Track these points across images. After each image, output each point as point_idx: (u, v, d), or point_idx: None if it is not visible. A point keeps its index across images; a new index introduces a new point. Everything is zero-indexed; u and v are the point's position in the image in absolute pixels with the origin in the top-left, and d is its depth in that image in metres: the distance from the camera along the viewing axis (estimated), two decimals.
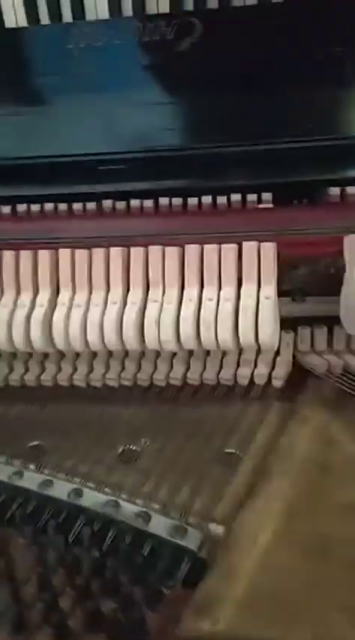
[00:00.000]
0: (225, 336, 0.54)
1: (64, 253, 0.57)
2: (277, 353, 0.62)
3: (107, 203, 0.69)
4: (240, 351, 0.61)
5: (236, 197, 0.67)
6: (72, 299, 0.57)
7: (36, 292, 0.58)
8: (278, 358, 0.61)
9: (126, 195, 0.69)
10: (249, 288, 0.55)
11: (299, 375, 0.61)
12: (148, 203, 0.68)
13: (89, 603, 0.38)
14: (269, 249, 0.54)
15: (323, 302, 0.62)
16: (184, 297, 0.55)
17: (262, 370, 0.61)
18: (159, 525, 0.44)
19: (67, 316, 0.56)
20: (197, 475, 0.50)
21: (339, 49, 0.67)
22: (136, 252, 0.56)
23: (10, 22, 0.76)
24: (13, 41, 0.75)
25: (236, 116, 0.68)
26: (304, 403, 0.58)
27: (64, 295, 0.57)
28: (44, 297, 0.57)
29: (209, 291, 0.55)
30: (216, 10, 0.72)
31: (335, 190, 0.66)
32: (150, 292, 0.56)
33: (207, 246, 0.55)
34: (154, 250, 0.56)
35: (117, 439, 0.56)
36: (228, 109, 0.68)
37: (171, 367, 0.62)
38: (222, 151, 0.67)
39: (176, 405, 0.60)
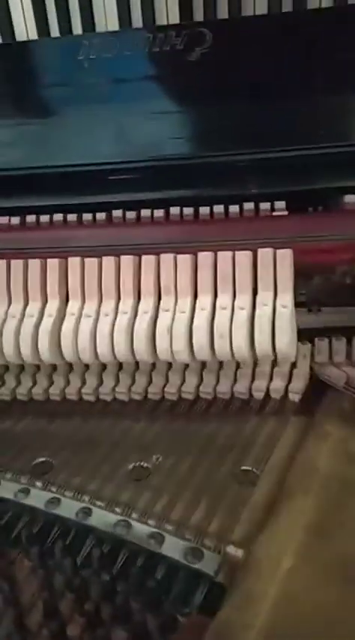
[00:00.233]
0: (241, 345, 0.52)
1: (74, 262, 0.55)
2: (293, 365, 0.59)
3: (117, 213, 0.67)
4: (255, 364, 0.59)
5: (248, 206, 0.65)
6: (81, 309, 0.55)
7: (44, 302, 0.56)
8: (295, 371, 0.59)
9: (136, 205, 0.67)
10: (264, 296, 0.53)
11: (317, 388, 0.58)
12: (159, 213, 0.66)
13: (99, 631, 0.35)
14: (285, 256, 0.52)
15: (340, 312, 0.60)
16: (197, 306, 0.53)
17: (278, 383, 0.58)
18: (173, 547, 0.41)
19: (76, 326, 0.54)
20: (212, 494, 0.48)
21: (351, 55, 0.66)
22: (147, 261, 0.54)
23: (20, 35, 0.76)
24: (23, 52, 0.74)
25: (246, 124, 0.67)
26: (323, 417, 0.55)
27: (74, 305, 0.55)
28: (53, 306, 0.55)
29: (223, 300, 0.53)
30: (226, 20, 0.72)
31: (351, 198, 0.64)
32: (161, 301, 0.54)
33: (220, 254, 0.53)
34: (166, 258, 0.54)
35: (127, 455, 0.53)
36: (239, 117, 0.67)
37: (184, 380, 0.60)
38: (233, 159, 0.66)
39: (188, 419, 0.57)
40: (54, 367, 0.61)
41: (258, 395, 0.58)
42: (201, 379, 0.59)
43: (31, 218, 0.68)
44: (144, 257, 0.54)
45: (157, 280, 0.54)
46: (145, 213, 0.67)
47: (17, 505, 0.46)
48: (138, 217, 0.66)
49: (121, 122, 0.69)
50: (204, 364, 0.60)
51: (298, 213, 0.61)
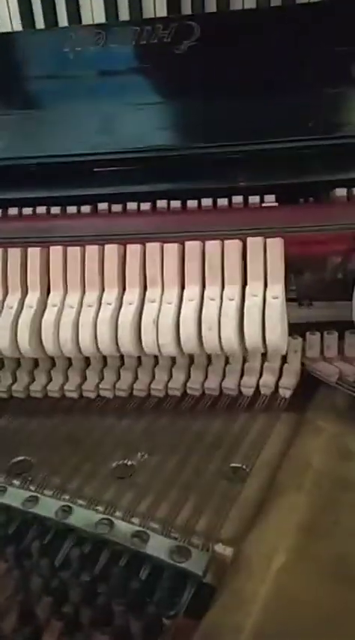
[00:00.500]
0: (230, 337, 0.50)
1: (56, 251, 0.53)
2: (284, 361, 0.57)
3: (103, 206, 0.65)
4: (244, 359, 0.57)
5: (237, 199, 0.63)
6: (63, 300, 0.52)
7: (25, 293, 0.53)
8: (286, 366, 0.57)
9: (122, 198, 0.65)
10: (254, 287, 0.51)
11: (309, 384, 0.56)
12: (146, 206, 0.64)
13: (77, 636, 0.33)
14: (276, 244, 0.51)
15: (331, 307, 0.58)
16: (184, 297, 0.51)
17: (268, 379, 0.56)
18: (159, 546, 0.39)
19: (58, 318, 0.52)
20: (200, 491, 0.45)
21: (340, 48, 0.65)
22: (133, 250, 0.52)
23: (5, 27, 0.74)
24: (7, 44, 0.73)
25: (234, 117, 0.66)
26: (315, 413, 0.53)
27: (55, 296, 0.53)
28: (33, 297, 0.53)
29: (211, 291, 0.51)
30: (214, 14, 0.71)
31: (341, 191, 0.62)
32: (147, 292, 0.52)
33: (208, 243, 0.51)
34: (152, 247, 0.52)
35: (111, 453, 0.51)
36: (225, 110, 0.66)
37: (170, 377, 0.57)
38: (221, 151, 0.64)
39: (175, 416, 0.55)
40: (35, 363, 0.58)
41: (248, 391, 0.56)
42: (189, 375, 0.57)
43: (13, 211, 0.66)
44: (129, 246, 0.52)
45: (143, 270, 0.52)
46: (132, 206, 0.65)
47: None
48: (125, 210, 0.64)
49: (107, 114, 0.68)
50: (191, 360, 0.58)
51: (288, 205, 0.59)
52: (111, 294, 0.52)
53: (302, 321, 0.58)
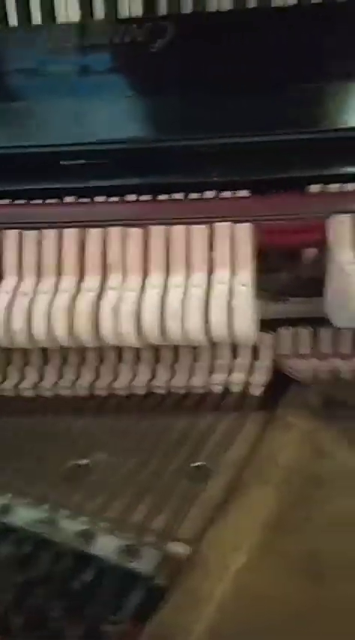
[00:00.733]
0: (195, 327, 0.46)
1: (10, 235, 0.50)
2: (255, 357, 0.54)
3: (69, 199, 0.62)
4: (214, 356, 0.54)
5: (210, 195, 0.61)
6: (17, 286, 0.49)
7: None
8: (257, 363, 0.54)
9: (90, 192, 0.63)
10: (221, 274, 0.48)
11: (281, 381, 0.53)
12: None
13: None
14: (244, 230, 0.48)
15: (307, 302, 0.56)
16: (147, 285, 0.48)
17: (239, 376, 0.53)
18: (106, 546, 0.35)
19: (10, 306, 0.48)
20: (158, 491, 0.41)
21: (310, 46, 0.65)
22: (93, 234, 0.49)
23: None
24: None
25: (206, 111, 0.64)
26: (286, 411, 0.49)
27: (8, 282, 0.49)
28: None
29: (176, 278, 0.48)
30: (189, 14, 0.71)
31: (315, 188, 0.61)
32: (108, 279, 0.49)
33: (174, 228, 0.49)
34: (114, 232, 0.49)
35: (66, 453, 0.46)
36: (198, 106, 0.65)
37: (135, 374, 0.54)
38: (191, 144, 0.62)
39: (139, 415, 0.51)
40: None
41: (217, 389, 0.53)
42: (154, 373, 0.54)
43: None
44: (89, 230, 0.49)
45: (103, 256, 0.49)
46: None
47: None
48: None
49: (75, 107, 0.66)
50: (157, 357, 0.54)
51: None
52: (68, 281, 0.48)
53: (276, 316, 0.55)
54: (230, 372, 0.54)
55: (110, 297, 0.48)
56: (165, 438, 0.49)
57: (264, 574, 0.31)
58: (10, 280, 0.49)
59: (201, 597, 0.30)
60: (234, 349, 0.55)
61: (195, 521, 0.38)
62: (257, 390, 0.52)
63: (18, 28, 0.72)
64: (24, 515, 0.38)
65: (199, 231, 0.48)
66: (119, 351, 0.55)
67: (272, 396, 0.52)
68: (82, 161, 0.64)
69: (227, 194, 0.60)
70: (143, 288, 0.48)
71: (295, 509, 0.37)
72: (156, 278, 0.48)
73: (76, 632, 0.29)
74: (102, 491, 0.41)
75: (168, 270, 0.49)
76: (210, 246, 0.48)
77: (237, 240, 0.48)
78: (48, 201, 0.61)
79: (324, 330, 0.54)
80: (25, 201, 0.60)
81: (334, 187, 0.59)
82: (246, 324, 0.46)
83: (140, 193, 0.62)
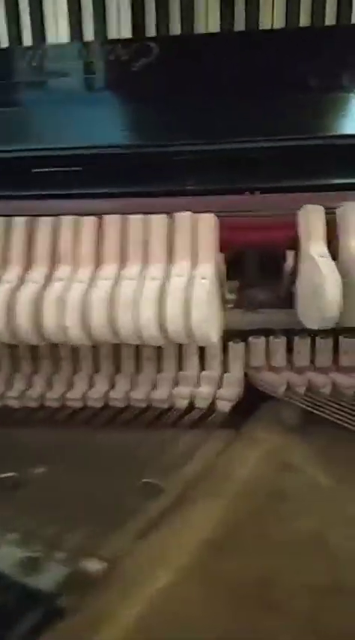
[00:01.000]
0: (149, 321, 0.41)
1: None
2: (225, 369, 0.49)
3: None
4: (180, 367, 0.48)
5: None
6: None
7: None
8: (226, 375, 0.48)
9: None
10: (180, 266, 0.43)
11: (253, 395, 0.47)
12: None
13: None
14: (207, 220, 0.44)
15: (281, 312, 0.50)
16: (99, 276, 0.43)
17: (205, 389, 0.47)
18: (4, 559, 0.28)
19: None
20: (92, 507, 0.35)
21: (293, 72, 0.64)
22: (44, 223, 0.45)
23: None
24: None
25: (182, 120, 0.62)
26: (255, 426, 0.43)
27: None
28: None
29: (131, 269, 0.44)
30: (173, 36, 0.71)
31: None
32: (57, 270, 0.44)
33: (131, 217, 0.45)
34: (66, 221, 0.45)
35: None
36: (175, 114, 0.63)
37: (91, 385, 0.48)
38: (165, 151, 0.60)
39: (92, 429, 0.45)
40: None
41: (181, 403, 0.46)
42: (113, 384, 0.48)
43: None
44: (40, 219, 0.45)
45: (53, 246, 0.45)
46: None
47: None
48: None
49: (50, 115, 0.64)
50: (117, 367, 0.49)
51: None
52: (12, 272, 0.44)
53: (249, 327, 0.50)
54: (196, 384, 0.48)
55: (55, 288, 0.43)
56: (116, 453, 0.42)
57: (190, 595, 0.24)
58: None
59: (110, 617, 0.23)
60: (202, 360, 0.49)
61: (124, 538, 0.31)
62: (226, 405, 0.46)
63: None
64: None
65: (158, 220, 0.44)
66: (76, 358, 0.50)
67: (243, 411, 0.46)
68: (53, 169, 0.62)
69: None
70: (94, 279, 0.43)
71: (249, 526, 0.30)
72: (109, 269, 0.44)
73: None
74: (26, 506, 0.35)
75: (123, 262, 0.44)
76: (170, 237, 0.44)
77: (199, 230, 0.44)
78: None
79: (300, 341, 0.48)
80: None
81: None
82: (203, 319, 0.41)
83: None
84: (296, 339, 0.48)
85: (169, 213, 0.46)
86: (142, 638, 0.22)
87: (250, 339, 0.49)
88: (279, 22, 0.68)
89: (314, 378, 0.46)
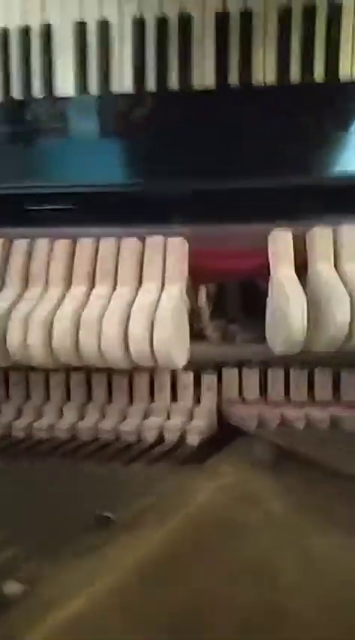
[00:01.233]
0: (113, 340, 0.40)
1: None
2: (197, 401, 0.47)
3: None
4: (152, 399, 0.47)
5: None
6: None
7: None
8: (197, 407, 0.46)
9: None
10: (148, 287, 0.42)
11: (223, 429, 0.45)
12: None
13: None
14: (177, 244, 0.43)
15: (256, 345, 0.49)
16: (67, 296, 0.43)
17: (175, 421, 0.45)
18: None
19: None
20: (29, 532, 0.32)
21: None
22: (17, 245, 0.45)
23: None
24: None
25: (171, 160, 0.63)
26: (222, 459, 0.41)
27: None
28: None
29: (99, 290, 0.43)
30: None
31: None
32: (27, 290, 0.44)
33: (102, 240, 0.44)
34: (40, 243, 0.45)
35: None
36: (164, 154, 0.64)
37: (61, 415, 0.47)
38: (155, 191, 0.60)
39: (48, 461, 0.43)
40: None
41: (150, 435, 0.44)
42: (82, 414, 0.47)
43: None
44: (15, 241, 0.45)
45: (26, 267, 0.45)
46: None
47: None
48: None
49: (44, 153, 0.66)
50: (87, 398, 0.48)
51: None
52: None
53: (222, 358, 0.48)
54: (167, 416, 0.46)
55: (21, 307, 0.42)
56: (72, 485, 0.40)
57: (106, 622, 0.22)
58: None
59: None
60: (174, 391, 0.47)
61: (52, 563, 0.28)
62: (194, 439, 0.44)
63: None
64: None
65: (129, 243, 0.44)
66: (47, 386, 0.49)
67: (212, 445, 0.43)
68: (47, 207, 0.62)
69: None
70: (61, 299, 0.43)
71: (188, 555, 0.28)
72: (78, 290, 0.43)
73: None
74: None
75: (93, 283, 0.44)
76: (141, 261, 0.44)
77: (170, 255, 0.43)
78: None
79: (274, 373, 0.46)
80: None
81: None
82: (166, 338, 0.39)
83: None
84: (270, 370, 0.46)
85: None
86: None
87: (223, 369, 0.47)
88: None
89: (288, 412, 0.44)
